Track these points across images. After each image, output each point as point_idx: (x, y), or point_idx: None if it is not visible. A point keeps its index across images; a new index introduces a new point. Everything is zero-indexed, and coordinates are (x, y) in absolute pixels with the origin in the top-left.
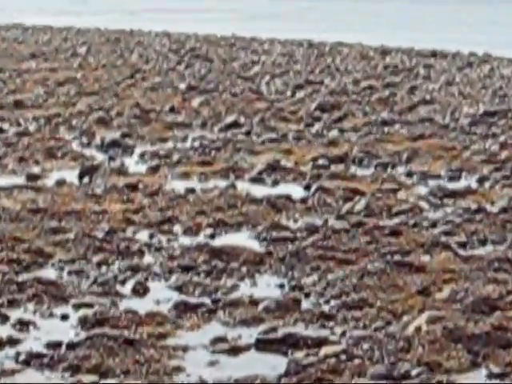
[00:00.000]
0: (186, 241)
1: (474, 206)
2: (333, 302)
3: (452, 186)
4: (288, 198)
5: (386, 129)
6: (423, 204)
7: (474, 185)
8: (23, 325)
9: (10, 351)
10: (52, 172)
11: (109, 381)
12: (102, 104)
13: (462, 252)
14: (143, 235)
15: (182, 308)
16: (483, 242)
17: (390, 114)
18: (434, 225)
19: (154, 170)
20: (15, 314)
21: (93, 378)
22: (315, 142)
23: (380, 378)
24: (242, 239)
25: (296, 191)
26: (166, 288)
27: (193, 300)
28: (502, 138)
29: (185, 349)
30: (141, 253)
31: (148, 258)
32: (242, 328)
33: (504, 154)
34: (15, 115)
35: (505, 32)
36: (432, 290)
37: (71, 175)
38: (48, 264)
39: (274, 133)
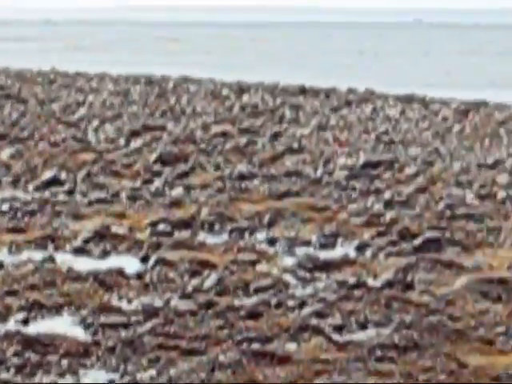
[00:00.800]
0: None
1: (351, 280)
2: None
3: (325, 255)
4: (120, 272)
5: (243, 185)
6: (289, 278)
7: (352, 253)
8: None
9: None
10: None
11: None
12: None
13: (337, 337)
14: None
15: None
16: (363, 325)
17: (248, 167)
18: (302, 304)
19: None
20: None
21: None
22: (155, 202)
23: None
24: (63, 325)
25: (130, 264)
26: None
27: None
28: (387, 195)
29: None
30: None
31: None
32: None
33: (389, 215)
34: None
35: (392, 63)
36: None
37: None
38: None
39: (103, 191)
